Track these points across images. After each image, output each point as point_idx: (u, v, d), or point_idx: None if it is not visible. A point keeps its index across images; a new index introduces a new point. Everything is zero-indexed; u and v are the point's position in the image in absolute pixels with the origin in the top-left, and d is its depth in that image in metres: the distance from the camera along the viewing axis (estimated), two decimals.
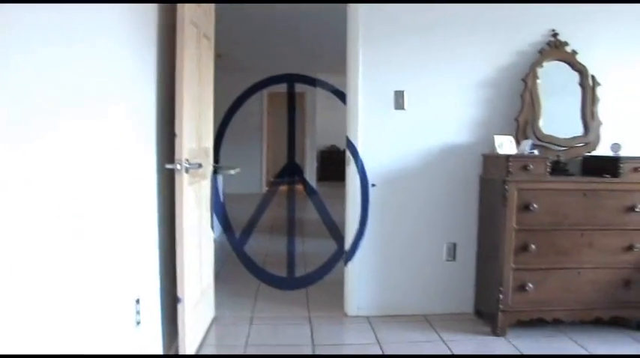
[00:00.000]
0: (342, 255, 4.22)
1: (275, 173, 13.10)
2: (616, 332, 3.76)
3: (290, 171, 12.50)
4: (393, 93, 3.98)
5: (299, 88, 11.54)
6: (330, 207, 7.92)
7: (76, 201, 1.96)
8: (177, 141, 2.95)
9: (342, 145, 11.27)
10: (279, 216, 9.10)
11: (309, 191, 11.88)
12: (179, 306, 3.03)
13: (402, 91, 3.97)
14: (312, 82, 10.87)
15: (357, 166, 3.96)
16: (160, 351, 3.03)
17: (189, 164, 3.02)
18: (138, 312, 2.65)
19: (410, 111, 3.99)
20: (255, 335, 3.67)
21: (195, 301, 3.28)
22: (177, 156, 2.95)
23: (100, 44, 2.19)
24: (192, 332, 3.19)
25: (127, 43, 2.53)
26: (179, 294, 3.02)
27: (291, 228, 7.89)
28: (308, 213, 9.47)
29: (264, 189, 12.06)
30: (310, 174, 12.63)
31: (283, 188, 12.17)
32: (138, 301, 2.65)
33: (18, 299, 1.56)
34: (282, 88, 10.93)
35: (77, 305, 1.98)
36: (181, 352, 3.06)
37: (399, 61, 3.98)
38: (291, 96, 11.70)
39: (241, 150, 10.50)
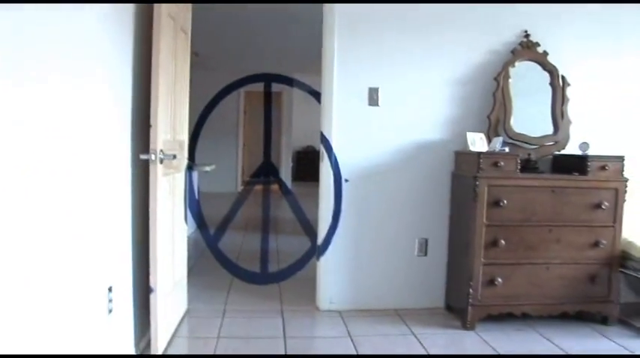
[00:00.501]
0: (314, 252, 4.25)
1: (251, 172, 13.08)
2: (582, 326, 3.86)
3: (266, 171, 12.51)
4: (367, 90, 4.02)
5: (276, 87, 11.55)
6: (305, 207, 7.95)
7: (48, 186, 1.97)
8: (152, 131, 2.96)
9: (318, 146, 11.32)
10: (253, 214, 9.10)
11: (285, 190, 11.90)
12: (151, 296, 3.04)
13: (377, 88, 4.02)
14: (289, 81, 10.89)
15: (331, 161, 4.00)
16: (131, 341, 3.03)
17: (164, 155, 3.03)
18: (110, 300, 2.65)
19: (384, 108, 4.04)
20: (227, 327, 3.68)
21: (167, 292, 3.28)
22: (152, 147, 2.96)
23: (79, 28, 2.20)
24: (165, 323, 3.20)
25: (104, 31, 2.54)
26: (152, 284, 3.03)
27: (266, 225, 7.90)
28: (283, 211, 9.51)
29: (240, 188, 12.05)
30: (286, 173, 12.64)
31: (258, 187, 12.17)
32: (110, 289, 2.65)
33: None
34: (259, 87, 10.95)
35: (48, 293, 1.98)
36: (153, 342, 3.07)
37: (374, 58, 4.02)
38: (268, 96, 11.72)
39: (217, 149, 10.48)
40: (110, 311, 2.66)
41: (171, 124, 3.33)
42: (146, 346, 3.20)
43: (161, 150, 2.99)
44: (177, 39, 3.39)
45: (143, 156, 2.98)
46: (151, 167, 2.97)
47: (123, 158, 2.87)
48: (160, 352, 3.10)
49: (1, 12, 1.59)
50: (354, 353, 3.29)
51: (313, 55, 5.11)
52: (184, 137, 3.74)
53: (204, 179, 8.27)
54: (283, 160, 12.74)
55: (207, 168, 6.46)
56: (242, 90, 11.59)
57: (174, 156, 3.16)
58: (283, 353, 3.27)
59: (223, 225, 7.13)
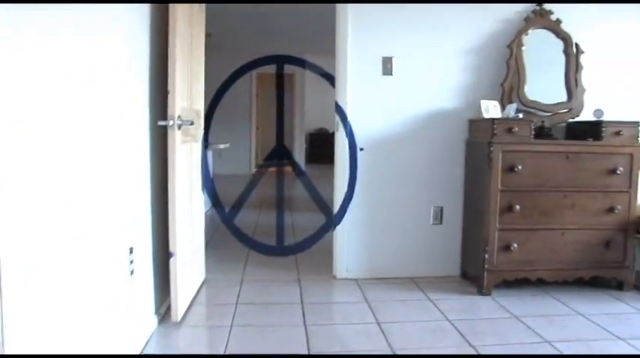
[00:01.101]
0: (331, 226, 4.29)
1: (264, 156, 13.14)
2: (597, 292, 3.87)
3: (279, 154, 12.55)
4: (381, 59, 4.04)
5: (288, 69, 11.57)
6: (319, 187, 7.99)
7: (72, 149, 2.02)
8: (170, 97, 3.00)
9: (331, 128, 11.34)
10: (268, 194, 9.17)
11: (298, 172, 11.94)
12: (171, 261, 3.09)
13: (391, 57, 4.04)
14: (301, 63, 10.89)
15: (346, 131, 4.03)
16: (152, 306, 3.09)
17: (182, 121, 3.07)
18: (131, 261, 2.71)
19: (398, 77, 4.06)
20: (245, 294, 3.74)
21: (186, 259, 3.34)
22: (169, 113, 3.00)
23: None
24: (184, 288, 3.26)
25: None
26: (171, 249, 3.09)
27: (280, 203, 7.96)
28: (297, 191, 9.57)
29: (253, 170, 12.11)
30: (299, 156, 12.68)
31: (272, 169, 12.23)
32: (131, 250, 2.70)
33: (18, 247, 1.61)
34: (271, 69, 10.97)
35: (74, 253, 2.03)
36: (173, 306, 3.13)
37: (387, 28, 4.03)
38: (280, 78, 11.74)
39: (230, 132, 10.53)
40: (132, 272, 2.72)
41: (188, 93, 3.37)
42: (166, 312, 3.26)
43: (179, 116, 3.03)
44: (192, 8, 3.42)
45: (161, 123, 3.02)
46: (170, 133, 3.01)
47: (141, 124, 2.91)
48: (179, 317, 3.16)
49: None
50: (373, 318, 3.33)
51: (326, 35, 5.12)
52: (201, 107, 3.78)
53: (218, 161, 8.34)
54: (296, 142, 12.77)
55: (222, 146, 6.52)
56: (254, 73, 11.62)
57: (192, 123, 3.20)
58: (301, 318, 3.31)
59: (238, 204, 7.19)
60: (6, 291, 1.52)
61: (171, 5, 2.99)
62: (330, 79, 4.28)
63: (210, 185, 6.71)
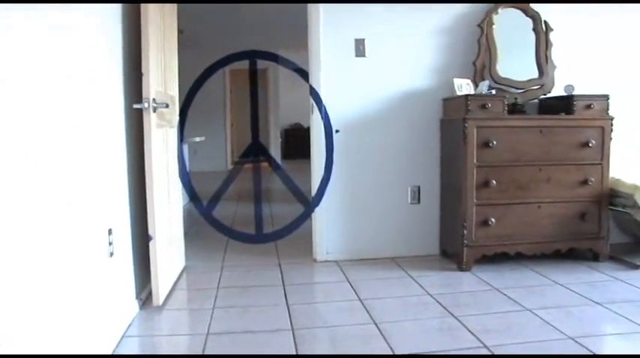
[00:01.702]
0: (309, 215, 4.30)
1: (240, 151, 13.10)
2: (574, 263, 3.94)
3: (255, 151, 12.52)
4: (354, 41, 4.06)
5: (261, 64, 11.55)
6: (296, 181, 7.98)
7: (49, 132, 2.00)
8: (144, 79, 2.98)
9: (306, 123, 11.33)
10: (245, 187, 9.13)
11: (275, 166, 11.93)
12: (151, 244, 3.07)
13: (363, 39, 4.05)
14: (274, 57, 10.86)
15: (321, 113, 4.03)
16: (133, 289, 3.06)
17: (157, 103, 3.05)
18: (110, 243, 2.68)
19: (371, 59, 4.08)
20: (226, 279, 3.73)
21: (166, 243, 3.32)
22: (144, 95, 2.98)
23: None
24: (165, 271, 3.24)
25: None
26: (150, 232, 3.07)
27: (258, 195, 7.95)
28: (274, 184, 9.57)
29: (230, 167, 12.07)
30: (275, 152, 12.67)
31: (248, 165, 12.20)
32: (110, 232, 2.68)
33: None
34: (244, 65, 10.92)
35: (53, 234, 2.01)
36: (154, 290, 3.11)
37: (359, 10, 4.05)
38: (253, 73, 11.70)
39: (205, 128, 10.43)
40: (111, 254, 2.69)
41: (162, 78, 3.35)
42: (147, 298, 3.24)
43: (154, 99, 3.01)
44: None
45: (137, 106, 3.01)
46: (145, 115, 3.00)
47: (117, 108, 2.88)
48: (161, 301, 3.14)
49: None
50: (355, 296, 3.34)
51: (298, 30, 5.13)
52: (175, 93, 3.77)
53: (194, 158, 8.29)
54: (272, 138, 12.76)
55: (197, 139, 6.49)
56: (227, 69, 11.58)
57: (167, 105, 3.18)
58: (283, 298, 3.31)
59: (216, 197, 7.16)
60: None
61: None
62: (303, 75, 4.29)
63: (187, 179, 6.65)
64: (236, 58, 9.99)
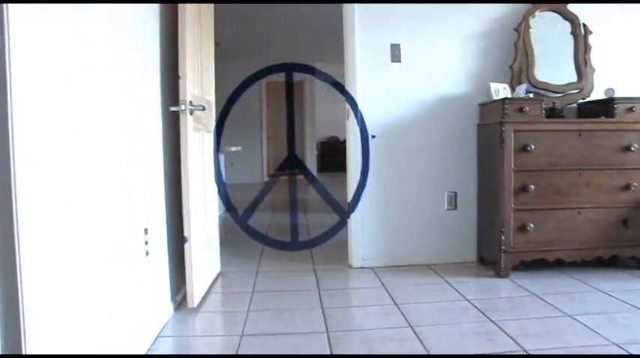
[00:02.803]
0: (345, 224, 4.30)
1: (276, 164, 13.18)
2: (617, 271, 3.82)
3: (290, 164, 12.57)
4: (389, 47, 4.05)
5: (297, 76, 11.62)
6: (332, 192, 7.99)
7: (91, 135, 2.06)
8: (180, 82, 3.02)
9: (342, 136, 11.32)
10: (281, 198, 9.18)
11: (311, 178, 11.95)
12: (186, 246, 3.09)
13: (398, 44, 4.05)
14: (310, 70, 10.93)
15: (357, 118, 4.03)
16: (168, 290, 3.09)
17: (193, 106, 3.09)
18: (146, 242, 2.71)
19: (406, 64, 4.07)
20: (261, 284, 3.73)
21: (201, 245, 3.34)
22: (181, 98, 3.02)
23: None
24: (200, 273, 3.25)
25: None
26: (186, 233, 3.09)
27: (294, 205, 7.97)
28: (310, 195, 9.57)
29: (266, 179, 12.14)
30: (311, 164, 12.68)
31: (284, 178, 12.25)
32: (146, 231, 2.71)
33: (39, 227, 1.64)
34: (281, 77, 11.01)
35: (92, 232, 2.05)
36: (189, 293, 3.12)
37: (394, 15, 4.05)
38: (290, 86, 11.78)
39: (242, 141, 10.54)
40: (147, 253, 2.72)
41: (199, 82, 3.39)
42: (182, 300, 3.26)
43: (190, 102, 3.05)
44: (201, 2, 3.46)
45: (173, 108, 3.05)
46: (181, 118, 3.03)
47: (155, 111, 2.93)
48: (195, 303, 3.15)
49: None
50: (390, 300, 3.30)
51: (334, 43, 5.15)
52: (212, 98, 3.81)
53: (230, 170, 8.35)
54: (308, 151, 12.79)
55: (234, 149, 6.54)
56: (263, 82, 11.69)
57: (203, 108, 3.21)
58: (318, 302, 3.29)
59: (252, 207, 7.20)
60: (26, 271, 1.54)
61: None
62: (339, 88, 4.30)
63: (223, 189, 6.72)
64: (273, 71, 10.09)
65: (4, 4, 1.47)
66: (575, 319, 2.89)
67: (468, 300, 3.27)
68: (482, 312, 3.03)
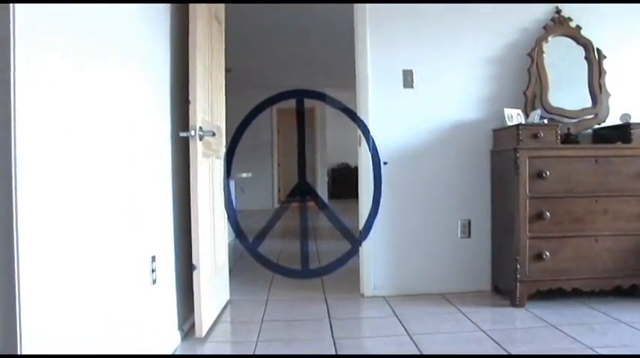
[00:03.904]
0: (356, 252, 4.24)
1: (286, 190, 13.14)
2: (637, 301, 3.71)
3: (301, 191, 12.52)
4: (401, 72, 4.02)
5: (308, 103, 11.64)
6: (343, 219, 7.93)
7: (98, 158, 2.03)
8: (191, 107, 2.99)
9: (353, 162, 11.27)
10: (291, 225, 9.11)
11: (322, 205, 11.88)
12: (195, 273, 3.03)
13: (411, 70, 4.02)
14: (321, 96, 10.94)
15: (369, 145, 3.98)
16: (175, 319, 3.02)
17: (203, 131, 3.05)
18: (154, 270, 2.65)
19: (419, 90, 4.03)
20: (270, 313, 3.65)
21: (210, 273, 3.27)
22: (191, 123, 2.98)
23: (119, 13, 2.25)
24: (208, 302, 3.18)
25: (141, 13, 2.59)
26: (194, 261, 3.03)
27: (304, 232, 7.89)
28: (320, 222, 9.48)
29: (276, 205, 12.09)
30: (322, 191, 12.63)
31: (295, 204, 12.19)
32: (153, 259, 2.65)
33: (42, 250, 1.61)
34: (291, 103, 11.02)
35: (97, 258, 2.01)
36: (197, 322, 3.05)
37: (406, 41, 4.03)
38: (300, 113, 11.78)
39: (252, 167, 10.52)
40: (154, 281, 2.66)
41: (209, 107, 3.37)
42: (190, 329, 3.19)
43: (200, 127, 3.01)
44: (212, 25, 3.44)
45: (183, 134, 3.01)
46: (191, 143, 2.99)
47: (164, 136, 2.90)
48: (204, 332, 3.07)
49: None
50: (403, 331, 3.21)
51: (345, 69, 5.14)
52: (222, 124, 3.78)
53: (240, 197, 8.30)
54: (319, 177, 12.75)
55: (244, 175, 6.50)
56: (274, 108, 11.71)
57: (213, 133, 3.17)
58: (329, 332, 3.21)
59: (262, 234, 7.14)
60: (25, 295, 1.50)
61: (191, 18, 3.01)
62: (350, 114, 4.27)
63: (233, 216, 6.67)
64: (283, 97, 10.09)
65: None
66: (596, 352, 2.78)
67: (484, 331, 3.17)
68: (498, 344, 2.93)
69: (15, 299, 1.46)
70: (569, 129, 3.92)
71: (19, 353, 1.47)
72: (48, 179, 1.64)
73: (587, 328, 3.18)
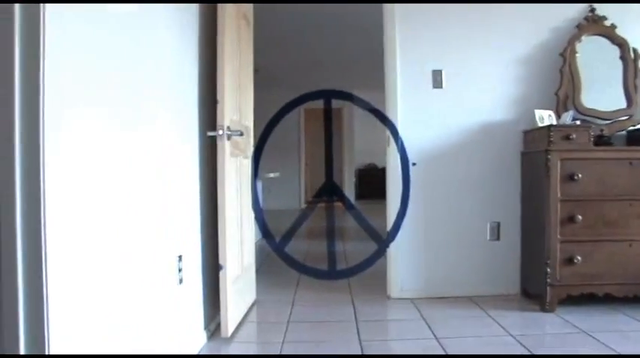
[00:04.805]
0: (383, 252, 4.21)
1: (313, 190, 13.13)
2: None
3: (328, 191, 12.50)
4: (431, 72, 3.98)
5: (336, 103, 11.62)
6: (370, 220, 7.89)
7: (128, 160, 2.05)
8: (218, 107, 2.99)
9: (380, 163, 11.23)
10: (318, 225, 9.09)
11: (348, 206, 11.85)
12: (221, 273, 3.03)
13: (440, 70, 3.97)
14: (349, 97, 10.92)
15: (397, 145, 3.95)
16: (201, 319, 3.02)
17: (231, 131, 3.05)
18: (180, 270, 2.66)
19: (448, 90, 3.99)
20: (297, 314, 3.64)
21: (236, 273, 3.28)
22: (219, 122, 2.99)
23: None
24: (234, 302, 3.18)
25: (170, 18, 2.59)
26: (221, 261, 3.03)
27: (331, 233, 7.87)
28: (347, 223, 9.46)
29: (303, 205, 12.09)
30: (349, 192, 12.61)
31: (322, 205, 12.18)
32: (180, 258, 2.66)
33: (72, 249, 1.62)
34: (319, 104, 11.01)
35: (124, 261, 2.01)
36: (223, 321, 3.05)
37: (436, 41, 3.99)
38: (328, 113, 11.77)
39: (280, 167, 10.55)
40: (181, 281, 2.67)
41: (237, 106, 3.37)
42: (216, 329, 3.19)
43: (228, 127, 3.01)
44: (240, 25, 3.44)
45: (210, 133, 3.02)
46: (219, 143, 2.99)
47: (191, 136, 2.91)
48: (229, 332, 3.07)
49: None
50: (430, 334, 3.17)
51: (373, 70, 5.10)
52: (250, 123, 3.77)
53: (268, 196, 8.30)
54: (346, 178, 12.72)
55: (272, 175, 6.51)
56: (302, 108, 11.71)
57: (241, 133, 3.17)
58: (356, 334, 3.18)
59: (289, 234, 7.14)
60: (53, 294, 1.50)
61: (219, 18, 3.01)
62: (378, 115, 4.24)
63: (260, 216, 6.68)
64: (311, 97, 10.10)
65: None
66: None
67: (513, 336, 3.11)
68: (528, 349, 2.88)
69: (43, 298, 1.47)
70: (602, 130, 3.83)
71: (46, 353, 1.47)
72: (78, 179, 1.65)
73: (621, 335, 3.10)
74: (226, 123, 3.00)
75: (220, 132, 2.97)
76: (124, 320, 1.99)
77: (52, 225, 1.49)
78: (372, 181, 13.03)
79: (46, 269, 1.47)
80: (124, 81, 2.02)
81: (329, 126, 11.85)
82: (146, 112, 2.25)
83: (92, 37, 1.77)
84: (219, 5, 3.04)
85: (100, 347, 1.78)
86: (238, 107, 3.39)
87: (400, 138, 3.95)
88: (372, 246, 5.59)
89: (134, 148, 2.11)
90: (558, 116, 3.83)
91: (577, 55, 3.92)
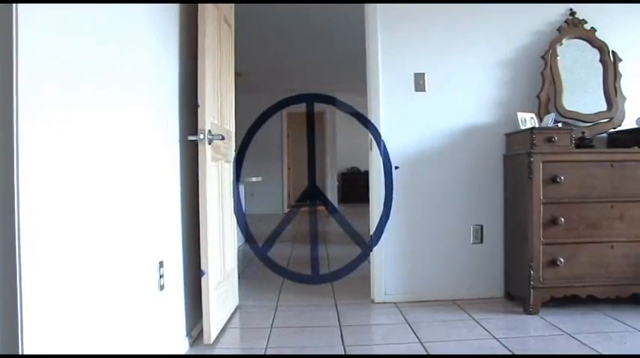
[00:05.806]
0: (366, 257, 4.19)
1: (296, 194, 13.13)
2: None
3: (311, 195, 12.49)
4: (413, 76, 3.97)
5: (318, 107, 11.61)
6: (353, 224, 7.89)
7: (105, 162, 2.01)
8: (199, 111, 2.96)
9: (363, 167, 11.24)
10: (301, 230, 9.06)
11: (331, 209, 11.84)
12: (203, 279, 2.99)
13: (423, 73, 3.97)
14: (331, 101, 10.91)
15: (380, 149, 3.93)
16: (183, 325, 2.98)
17: (212, 135, 3.02)
18: (161, 276, 2.62)
19: (431, 93, 3.98)
20: (280, 319, 3.60)
21: (218, 280, 3.24)
22: (200, 127, 2.95)
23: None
24: (217, 308, 3.14)
25: (150, 20, 2.56)
26: (203, 267, 2.99)
27: (314, 237, 7.85)
28: (330, 226, 9.45)
29: (286, 210, 12.06)
30: (331, 196, 12.60)
31: (305, 209, 12.17)
32: (161, 264, 2.62)
33: (47, 255, 1.58)
34: (301, 108, 11.00)
35: (102, 266, 1.97)
36: (205, 327, 3.01)
37: (418, 44, 3.98)
38: (310, 117, 11.76)
39: (262, 171, 10.50)
40: (162, 287, 2.63)
41: (219, 111, 3.33)
42: (198, 336, 3.15)
43: (209, 131, 2.98)
44: (221, 29, 3.41)
45: (191, 137, 2.98)
46: (200, 147, 2.96)
47: (172, 140, 2.87)
48: (212, 339, 3.03)
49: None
50: (414, 338, 3.16)
51: (355, 73, 5.09)
52: (231, 128, 3.74)
53: (250, 201, 8.26)
54: (329, 181, 12.71)
55: (254, 179, 6.47)
56: (284, 112, 11.69)
57: (223, 137, 3.14)
58: (340, 339, 3.16)
59: (272, 238, 7.11)
60: (28, 299, 1.47)
61: (200, 19, 2.98)
62: (360, 118, 4.22)
63: (243, 220, 6.64)
64: (293, 101, 10.09)
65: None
66: None
67: (497, 339, 3.10)
68: (512, 352, 2.87)
69: (17, 303, 1.43)
70: (583, 133, 3.85)
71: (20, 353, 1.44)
72: (52, 182, 1.61)
73: (604, 337, 3.11)
74: (207, 127, 2.97)
75: (201, 136, 2.94)
76: (102, 325, 1.94)
77: (27, 227, 1.45)
78: (355, 185, 13.07)
79: (20, 274, 1.43)
80: (100, 81, 1.98)
81: (311, 130, 11.83)
82: (124, 115, 2.21)
83: (62, 39, 1.73)
84: (200, 5, 3.01)
85: (77, 353, 1.73)
86: (219, 111, 3.36)
87: (383, 141, 3.94)
88: (355, 250, 5.59)
89: (112, 152, 2.07)
90: (540, 119, 3.84)
91: (558, 58, 3.94)
